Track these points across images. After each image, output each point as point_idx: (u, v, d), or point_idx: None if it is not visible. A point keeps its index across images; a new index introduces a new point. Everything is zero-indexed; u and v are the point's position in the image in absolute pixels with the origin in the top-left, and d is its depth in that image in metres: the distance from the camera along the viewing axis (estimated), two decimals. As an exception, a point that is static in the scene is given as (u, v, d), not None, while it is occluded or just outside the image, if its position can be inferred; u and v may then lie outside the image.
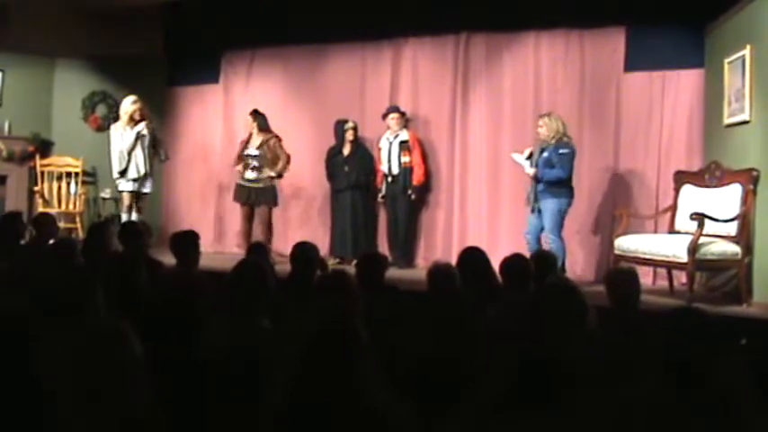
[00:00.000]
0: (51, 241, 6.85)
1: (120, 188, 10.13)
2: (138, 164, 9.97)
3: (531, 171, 8.44)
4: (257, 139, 10.07)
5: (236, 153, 10.30)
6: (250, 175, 10.01)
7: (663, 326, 2.95)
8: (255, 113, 10.18)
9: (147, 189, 10.17)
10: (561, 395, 2.62)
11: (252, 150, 10.04)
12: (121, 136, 9.96)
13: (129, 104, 10.04)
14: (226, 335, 3.73)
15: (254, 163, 9.99)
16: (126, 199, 10.06)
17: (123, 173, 9.94)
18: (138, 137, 9.94)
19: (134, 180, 9.99)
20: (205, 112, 11.80)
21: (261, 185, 9.99)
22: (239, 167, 10.13)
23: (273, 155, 9.98)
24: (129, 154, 9.92)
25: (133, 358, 2.65)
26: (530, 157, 8.53)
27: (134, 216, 10.01)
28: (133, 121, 9.99)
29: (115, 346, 2.63)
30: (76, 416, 2.50)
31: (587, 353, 2.94)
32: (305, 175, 10.94)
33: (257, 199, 10.02)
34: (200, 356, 3.48)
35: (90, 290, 3.75)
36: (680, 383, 2.72)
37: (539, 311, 3.86)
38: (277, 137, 10.08)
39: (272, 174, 9.97)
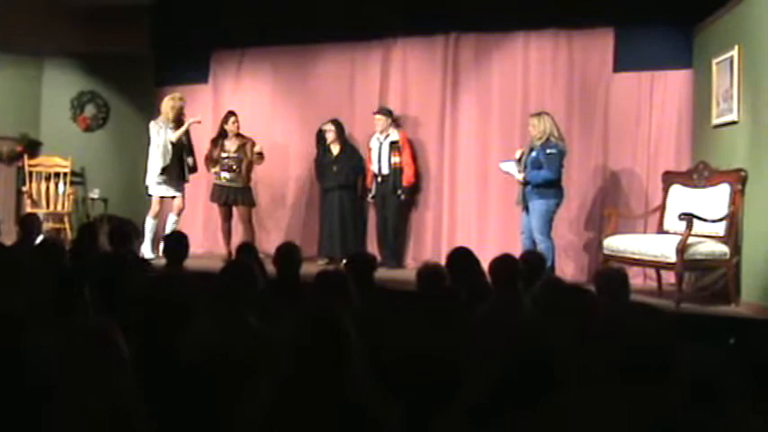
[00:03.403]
0: (37, 241, 6.84)
1: (152, 192, 9.98)
2: (176, 167, 9.91)
3: (520, 177, 8.45)
4: (235, 141, 10.04)
5: (208, 154, 10.23)
6: (227, 175, 9.98)
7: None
8: (236, 114, 10.17)
9: (179, 193, 10.07)
10: (551, 395, 2.62)
11: (230, 153, 10.00)
12: (158, 133, 9.85)
13: (170, 101, 10.00)
14: (214, 334, 3.73)
15: (233, 165, 9.97)
16: (156, 204, 9.97)
17: (163, 171, 9.79)
18: (178, 142, 9.87)
19: (167, 183, 9.88)
20: (194, 111, 11.67)
21: (239, 186, 9.97)
22: (215, 169, 10.11)
23: (249, 160, 9.97)
24: (171, 154, 9.82)
25: (119, 357, 2.65)
26: (521, 158, 8.54)
27: (173, 220, 9.88)
28: (176, 120, 9.93)
29: (101, 344, 2.63)
30: (64, 414, 2.50)
31: (579, 352, 2.94)
32: (294, 174, 10.94)
33: (235, 199, 10.00)
34: (188, 355, 3.48)
35: (77, 290, 3.74)
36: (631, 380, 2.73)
37: (534, 310, 3.89)
38: (253, 142, 10.05)
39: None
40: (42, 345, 2.69)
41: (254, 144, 9.98)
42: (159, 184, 9.85)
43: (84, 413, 2.50)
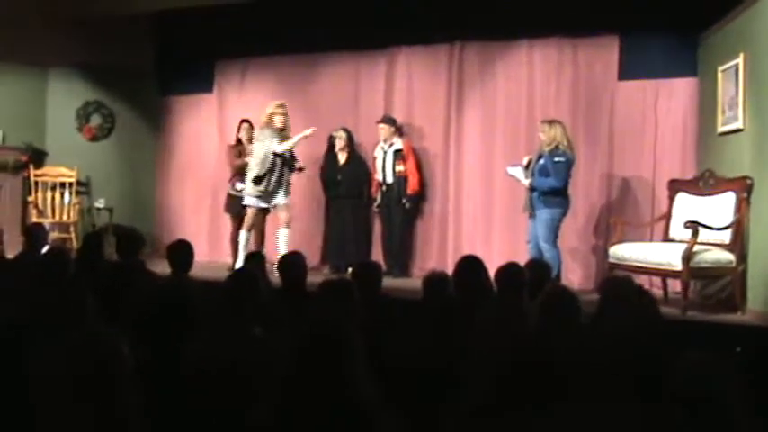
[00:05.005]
0: (43, 251, 6.84)
1: (247, 202, 9.55)
2: (273, 178, 9.44)
3: (526, 182, 8.45)
4: (250, 149, 9.87)
5: (234, 164, 10.01)
6: (240, 186, 9.81)
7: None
8: (249, 122, 10.07)
9: (283, 203, 9.60)
10: (553, 399, 2.63)
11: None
12: (262, 142, 9.39)
13: (275, 108, 9.50)
14: (218, 343, 3.72)
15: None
16: (251, 217, 9.53)
17: (259, 180, 9.33)
18: (278, 154, 9.38)
19: (263, 195, 9.42)
20: (199, 121, 11.79)
21: None
22: (236, 179, 9.93)
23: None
24: (271, 164, 9.37)
25: (122, 367, 2.64)
26: (529, 164, 8.53)
27: (283, 234, 9.42)
28: (274, 126, 9.42)
29: (104, 354, 2.61)
30: (63, 424, 2.49)
31: (581, 359, 2.94)
32: (298, 184, 10.90)
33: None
34: (192, 364, 3.47)
35: (81, 300, 3.74)
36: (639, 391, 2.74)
37: (538, 315, 3.90)
38: None
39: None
40: (43, 354, 2.68)
41: None
42: (255, 196, 9.43)
43: (83, 425, 2.50)
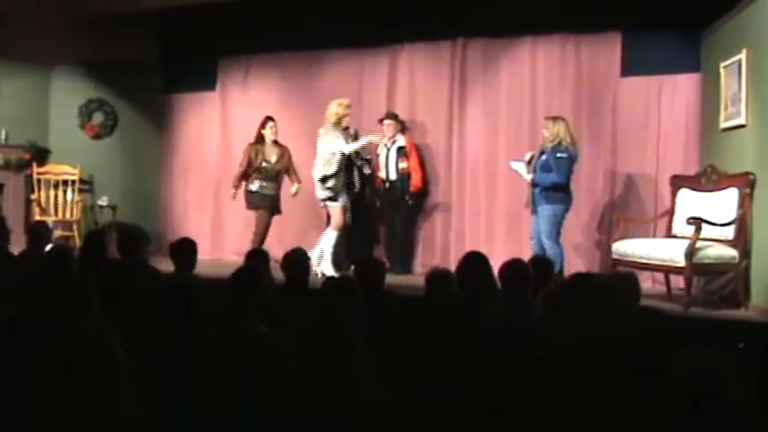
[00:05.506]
0: (46, 249, 6.83)
1: (329, 204, 9.41)
2: (341, 178, 9.43)
3: (528, 177, 8.45)
4: (274, 149, 9.74)
5: (250, 163, 9.67)
6: (265, 184, 9.67)
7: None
8: (274, 120, 9.86)
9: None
10: (557, 395, 2.63)
11: (272, 163, 9.68)
12: (328, 141, 9.32)
13: (336, 107, 9.46)
14: (222, 341, 3.73)
15: (273, 175, 9.70)
16: (341, 215, 9.39)
17: (326, 180, 9.26)
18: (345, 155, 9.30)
19: (338, 193, 9.34)
20: (202, 119, 11.78)
21: (273, 193, 9.71)
22: (254, 177, 9.68)
23: (285, 167, 9.76)
24: (336, 164, 9.27)
25: (120, 366, 2.64)
26: (531, 160, 8.54)
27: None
28: (341, 126, 9.44)
29: (101, 353, 2.62)
30: (60, 424, 2.50)
31: (586, 354, 2.94)
32: (301, 180, 10.89)
33: (264, 205, 9.68)
34: (196, 362, 3.48)
35: (85, 298, 3.74)
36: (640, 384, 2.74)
37: (542, 312, 3.91)
38: (289, 152, 9.80)
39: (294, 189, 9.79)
40: (43, 353, 2.69)
41: (290, 154, 9.78)
42: (325, 198, 9.36)
43: (82, 425, 2.50)
